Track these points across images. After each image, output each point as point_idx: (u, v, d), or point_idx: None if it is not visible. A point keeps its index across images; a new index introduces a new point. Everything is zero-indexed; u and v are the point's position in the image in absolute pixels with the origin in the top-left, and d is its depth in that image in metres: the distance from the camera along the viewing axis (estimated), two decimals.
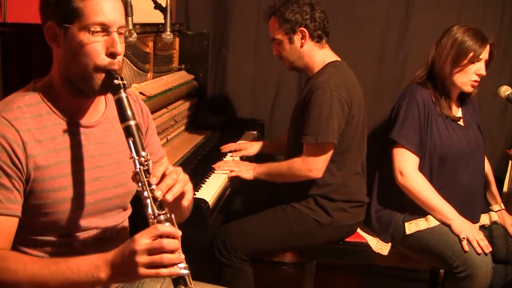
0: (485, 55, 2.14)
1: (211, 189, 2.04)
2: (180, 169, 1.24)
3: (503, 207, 2.39)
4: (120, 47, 1.25)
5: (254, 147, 2.57)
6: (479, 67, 2.14)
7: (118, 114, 1.23)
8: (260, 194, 2.72)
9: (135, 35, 1.95)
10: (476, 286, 2.05)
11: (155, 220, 1.15)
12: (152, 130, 1.53)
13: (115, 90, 1.24)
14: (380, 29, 2.90)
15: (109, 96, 1.34)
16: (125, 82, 1.25)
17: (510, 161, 2.94)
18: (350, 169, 2.26)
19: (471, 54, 2.12)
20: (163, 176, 1.20)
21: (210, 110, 2.92)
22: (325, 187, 2.22)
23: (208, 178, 2.16)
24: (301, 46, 2.22)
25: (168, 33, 2.33)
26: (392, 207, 2.29)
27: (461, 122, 2.26)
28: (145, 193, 1.17)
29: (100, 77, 1.25)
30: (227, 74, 3.03)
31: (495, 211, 2.36)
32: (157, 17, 2.38)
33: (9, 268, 1.16)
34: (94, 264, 1.14)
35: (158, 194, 1.16)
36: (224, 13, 2.97)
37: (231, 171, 2.27)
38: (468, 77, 2.15)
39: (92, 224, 1.34)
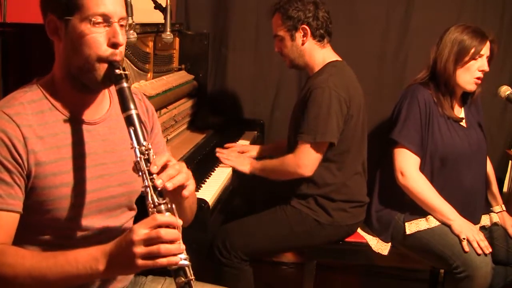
0: (486, 51, 2.15)
1: (211, 189, 2.04)
2: (183, 163, 1.23)
3: (504, 208, 2.39)
4: (121, 38, 1.25)
5: (252, 152, 2.57)
6: (482, 64, 2.15)
7: (120, 104, 1.22)
8: (260, 194, 2.73)
9: (135, 35, 1.95)
10: (476, 287, 2.05)
11: (155, 210, 1.14)
12: (157, 129, 1.52)
13: (117, 80, 1.23)
14: (380, 29, 2.90)
15: (114, 94, 1.33)
16: (127, 72, 1.25)
17: (510, 161, 2.94)
18: (351, 169, 2.26)
19: (472, 51, 2.13)
20: (166, 166, 1.19)
21: (210, 110, 2.92)
22: (325, 187, 2.22)
23: (208, 178, 2.16)
24: (302, 44, 2.23)
25: (168, 33, 2.33)
26: (392, 207, 2.29)
27: (463, 123, 2.26)
28: (145, 182, 1.16)
29: (102, 68, 1.24)
30: (227, 74, 3.03)
31: (496, 212, 2.36)
32: (157, 17, 2.38)
33: (7, 262, 1.15)
34: (93, 256, 1.13)
35: (159, 182, 1.15)
36: (224, 13, 2.97)
37: (229, 160, 2.34)
38: (471, 74, 2.15)
39: (95, 223, 1.33)
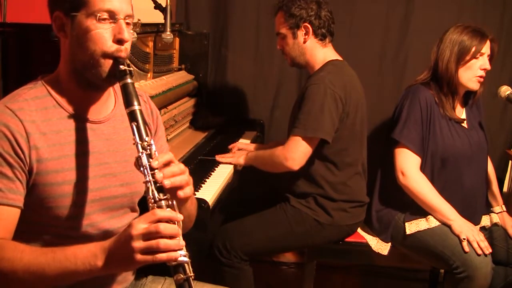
0: (486, 50, 2.16)
1: (211, 189, 2.04)
2: (186, 168, 1.22)
3: (504, 209, 2.38)
4: (127, 34, 1.25)
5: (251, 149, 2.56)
6: (483, 62, 2.16)
7: (123, 99, 1.22)
8: (260, 194, 2.73)
9: (135, 34, 1.95)
10: (476, 287, 2.05)
11: (155, 205, 1.13)
12: (161, 132, 1.51)
13: (121, 76, 1.23)
14: (380, 29, 2.90)
15: (119, 94, 1.33)
16: (131, 69, 1.25)
17: (510, 161, 2.94)
18: (350, 168, 2.26)
19: (473, 50, 2.13)
20: (168, 164, 1.18)
21: (210, 110, 2.92)
22: (325, 185, 2.22)
23: (208, 178, 2.16)
24: (304, 42, 2.23)
25: (168, 33, 2.33)
26: (393, 206, 2.29)
27: (464, 124, 2.26)
28: (146, 177, 1.15)
29: (107, 64, 1.24)
30: (227, 74, 3.03)
31: (496, 213, 2.36)
32: (157, 17, 2.38)
33: (5, 257, 1.15)
34: (92, 252, 1.12)
35: (159, 176, 1.14)
36: (224, 13, 2.97)
37: (228, 163, 2.34)
38: (473, 72, 2.16)
39: (96, 223, 1.32)
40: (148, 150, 1.17)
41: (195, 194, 1.74)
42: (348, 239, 2.32)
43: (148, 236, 1.07)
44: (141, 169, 1.17)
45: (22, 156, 1.21)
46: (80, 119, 1.31)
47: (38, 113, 1.25)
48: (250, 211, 2.32)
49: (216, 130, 2.81)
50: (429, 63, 2.26)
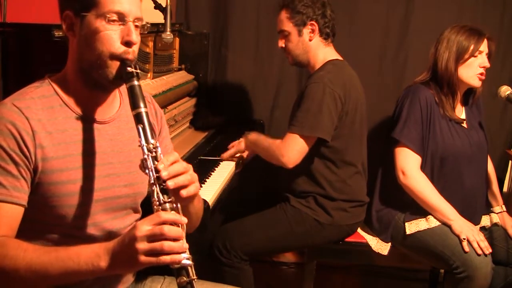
0: (484, 48, 2.17)
1: (211, 189, 2.04)
2: (190, 165, 1.22)
3: (504, 209, 2.38)
4: (135, 37, 1.26)
5: None
6: (482, 60, 2.17)
7: (130, 101, 1.22)
8: (260, 194, 2.73)
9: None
10: (476, 287, 2.05)
11: (160, 208, 1.13)
12: (165, 133, 1.51)
13: (128, 78, 1.24)
14: (380, 29, 2.91)
15: (125, 94, 1.33)
16: (138, 71, 1.25)
17: (510, 161, 2.94)
18: (350, 167, 2.26)
19: (471, 48, 2.14)
20: (173, 163, 1.18)
21: (210, 110, 2.92)
22: (325, 184, 2.22)
23: (208, 178, 2.16)
24: (310, 40, 2.24)
25: (168, 33, 2.33)
26: (393, 206, 2.29)
27: (464, 124, 2.26)
28: (152, 180, 1.15)
29: (114, 65, 1.25)
30: (227, 74, 3.03)
31: (496, 213, 2.36)
32: (157, 17, 2.38)
33: (8, 254, 1.15)
34: (95, 253, 1.12)
35: (164, 174, 1.14)
36: (224, 13, 2.97)
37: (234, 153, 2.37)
38: (473, 70, 2.17)
39: (99, 223, 1.32)
40: (154, 153, 1.17)
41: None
42: (348, 239, 2.32)
43: (152, 238, 1.07)
44: (146, 171, 1.17)
45: (27, 154, 1.21)
46: (86, 119, 1.31)
47: (44, 111, 1.25)
48: (250, 211, 2.32)
49: (216, 130, 2.81)
50: (429, 63, 2.26)
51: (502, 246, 2.26)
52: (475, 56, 2.16)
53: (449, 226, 2.14)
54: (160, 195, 1.14)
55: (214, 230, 2.28)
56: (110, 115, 1.36)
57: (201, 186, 2.06)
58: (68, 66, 1.31)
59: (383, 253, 2.28)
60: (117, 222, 1.37)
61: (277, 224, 2.24)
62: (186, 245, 1.10)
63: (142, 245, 1.07)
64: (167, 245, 1.07)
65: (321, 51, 2.26)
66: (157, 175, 1.15)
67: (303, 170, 2.21)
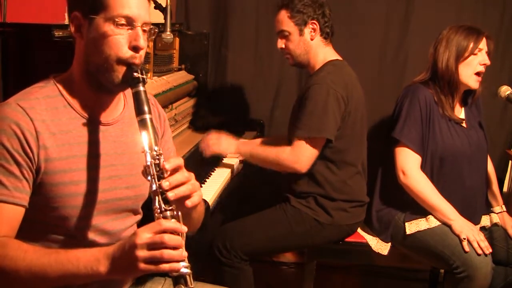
0: (484, 46, 2.18)
1: (211, 189, 2.04)
2: (192, 174, 1.22)
3: (504, 209, 2.38)
4: (143, 42, 1.25)
5: None
6: (482, 58, 2.17)
7: (135, 107, 1.22)
8: (260, 194, 2.73)
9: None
10: (476, 287, 2.05)
11: (161, 215, 1.13)
12: (168, 136, 1.52)
13: (134, 83, 1.24)
14: (380, 29, 2.91)
15: (129, 96, 1.33)
16: (145, 77, 1.25)
17: (510, 161, 2.94)
18: (351, 168, 2.26)
19: (471, 46, 2.15)
20: (176, 170, 1.18)
21: (210, 110, 2.92)
22: (326, 185, 2.22)
23: (208, 178, 2.17)
24: (311, 39, 2.24)
25: (168, 33, 2.33)
26: (393, 206, 2.29)
27: (463, 124, 2.26)
28: (154, 187, 1.15)
29: (121, 70, 1.25)
30: (227, 74, 3.03)
31: (496, 213, 2.36)
32: (157, 17, 2.38)
33: (8, 255, 1.15)
34: (95, 257, 1.12)
35: (165, 185, 1.15)
36: (224, 13, 2.97)
37: (211, 147, 2.28)
38: (473, 68, 2.17)
39: (100, 224, 1.33)
40: (157, 160, 1.17)
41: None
42: (348, 239, 2.32)
43: (152, 246, 1.08)
44: (149, 178, 1.17)
45: (30, 155, 1.21)
46: (90, 121, 1.31)
47: (49, 112, 1.26)
48: (250, 211, 2.32)
49: (216, 130, 2.81)
50: (428, 63, 2.26)
51: (502, 246, 2.26)
52: (475, 54, 2.16)
53: (449, 226, 2.14)
54: (162, 203, 1.15)
55: (214, 230, 2.28)
56: (114, 116, 1.36)
57: (201, 186, 2.06)
58: (74, 67, 1.31)
59: (383, 253, 2.28)
60: (118, 223, 1.37)
61: (277, 224, 2.24)
62: (185, 254, 1.11)
63: (142, 253, 1.08)
64: (166, 253, 1.08)
65: (321, 51, 2.26)
66: (159, 182, 1.15)
67: None
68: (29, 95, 1.26)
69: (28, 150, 1.21)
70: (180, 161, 1.20)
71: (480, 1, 2.85)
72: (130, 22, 1.24)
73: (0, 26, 1.87)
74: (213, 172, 2.26)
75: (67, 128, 1.27)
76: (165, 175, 1.16)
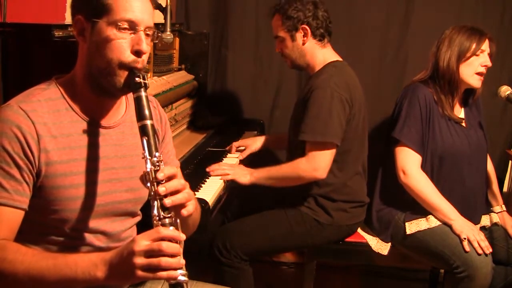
0: (486, 47, 2.17)
1: (211, 189, 2.04)
2: (187, 183, 1.23)
3: (504, 209, 2.38)
4: (145, 46, 1.25)
5: (256, 143, 2.55)
6: (484, 60, 2.17)
7: (136, 112, 1.22)
8: (260, 194, 2.72)
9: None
10: (476, 287, 2.05)
11: (160, 223, 1.14)
12: (168, 138, 1.51)
13: (136, 88, 1.23)
14: (380, 29, 2.91)
15: (130, 100, 1.33)
16: (147, 81, 1.25)
17: (510, 161, 2.94)
18: (351, 169, 2.26)
19: (473, 47, 2.15)
20: (172, 177, 1.19)
21: (210, 110, 2.92)
22: (326, 187, 2.22)
23: (208, 178, 2.16)
24: (303, 44, 2.23)
25: (168, 33, 2.33)
26: (394, 206, 2.29)
27: (463, 124, 2.26)
28: (152, 194, 1.16)
29: (123, 74, 1.25)
30: (227, 74, 3.03)
31: (496, 213, 2.36)
32: (157, 17, 2.38)
33: (7, 258, 1.15)
34: (92, 262, 1.13)
35: (162, 190, 1.15)
36: (224, 13, 2.97)
37: (225, 175, 2.19)
38: (474, 69, 2.17)
39: (99, 226, 1.33)
40: (157, 167, 1.18)
41: (195, 194, 1.74)
42: (348, 239, 2.32)
43: (150, 253, 1.08)
44: (148, 184, 1.17)
45: (31, 158, 1.21)
46: (91, 124, 1.31)
47: (50, 115, 1.25)
48: (250, 211, 2.32)
49: (216, 130, 2.81)
50: (429, 62, 2.26)
51: (502, 246, 2.26)
52: (477, 55, 2.16)
53: (450, 226, 2.14)
54: (160, 210, 1.15)
55: (214, 230, 2.28)
56: (116, 120, 1.36)
57: (201, 186, 2.06)
58: (77, 69, 1.31)
59: (383, 253, 2.28)
60: (117, 225, 1.37)
61: (277, 224, 2.24)
62: (183, 261, 1.12)
63: (139, 260, 1.08)
64: (164, 261, 1.08)
65: (319, 53, 2.25)
66: (156, 189, 1.16)
67: None
68: (31, 97, 1.25)
69: (29, 154, 1.21)
70: (174, 170, 1.20)
71: (480, 1, 2.84)
72: (133, 27, 1.23)
73: (0, 26, 1.87)
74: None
75: (68, 131, 1.27)
76: (160, 176, 1.16)
